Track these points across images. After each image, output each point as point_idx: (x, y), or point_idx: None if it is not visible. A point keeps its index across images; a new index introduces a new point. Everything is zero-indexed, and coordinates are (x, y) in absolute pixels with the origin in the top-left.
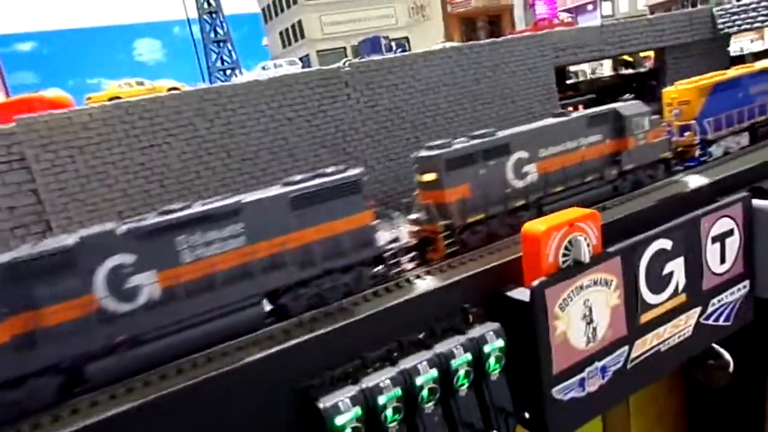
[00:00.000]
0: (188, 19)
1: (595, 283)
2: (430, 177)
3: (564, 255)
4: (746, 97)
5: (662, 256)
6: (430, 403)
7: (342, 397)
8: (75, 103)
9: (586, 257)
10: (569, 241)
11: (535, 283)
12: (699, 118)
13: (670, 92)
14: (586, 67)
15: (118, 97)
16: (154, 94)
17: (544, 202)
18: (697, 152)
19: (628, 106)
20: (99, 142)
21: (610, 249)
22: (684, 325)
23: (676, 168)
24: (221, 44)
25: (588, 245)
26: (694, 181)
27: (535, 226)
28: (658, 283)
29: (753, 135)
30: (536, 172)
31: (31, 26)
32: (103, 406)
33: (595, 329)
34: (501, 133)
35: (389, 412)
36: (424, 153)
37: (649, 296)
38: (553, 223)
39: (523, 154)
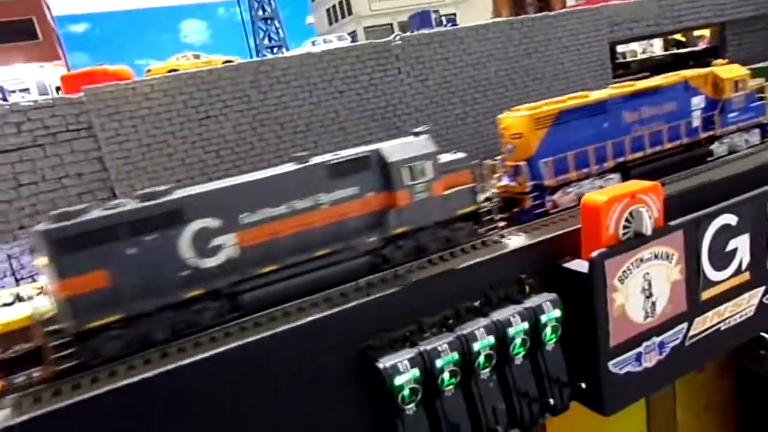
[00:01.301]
0: None
1: (656, 256)
2: (43, 261)
3: (624, 227)
4: (615, 126)
5: (727, 232)
6: (486, 370)
7: (401, 358)
8: (135, 77)
9: (648, 230)
10: (630, 213)
11: (595, 254)
12: (534, 158)
13: (503, 119)
14: (636, 46)
15: (176, 70)
16: (210, 66)
17: (247, 288)
18: (531, 203)
19: (400, 146)
20: (160, 113)
21: (673, 222)
22: (746, 304)
23: (500, 223)
24: (269, 22)
25: (650, 217)
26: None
27: (595, 197)
28: (722, 259)
29: (625, 176)
30: (236, 245)
31: (84, 8)
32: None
33: (654, 303)
34: (179, 192)
35: (446, 375)
36: (40, 227)
37: (711, 273)
38: (615, 194)
39: (210, 223)
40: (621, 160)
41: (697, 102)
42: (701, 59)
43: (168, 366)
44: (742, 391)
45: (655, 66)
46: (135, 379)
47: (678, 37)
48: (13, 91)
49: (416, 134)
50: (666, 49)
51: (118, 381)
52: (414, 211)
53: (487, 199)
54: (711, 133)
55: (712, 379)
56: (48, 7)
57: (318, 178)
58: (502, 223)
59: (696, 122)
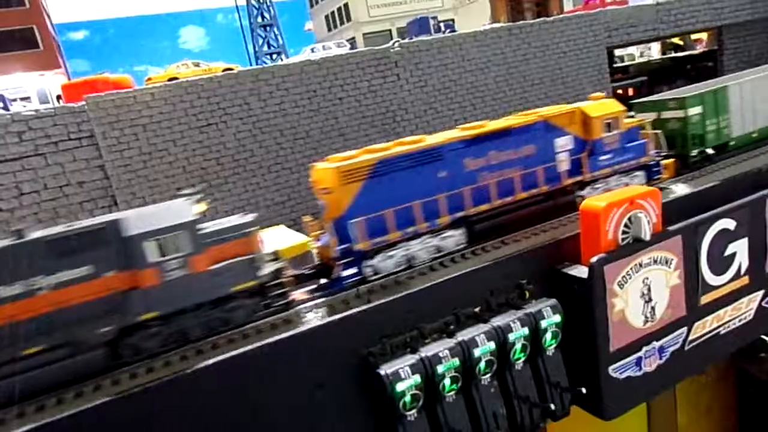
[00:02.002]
0: (237, 5)
1: (655, 261)
2: None
3: (624, 232)
4: (455, 175)
5: (725, 237)
6: (487, 375)
7: (402, 364)
8: (135, 86)
9: (646, 235)
10: (629, 218)
11: (594, 259)
12: (344, 217)
13: (315, 170)
14: (633, 50)
15: (177, 78)
16: (210, 74)
17: None
18: (342, 272)
19: (148, 215)
20: (160, 121)
21: (672, 227)
22: (745, 308)
23: (298, 295)
24: (268, 28)
25: (648, 223)
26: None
27: (594, 202)
28: (720, 263)
29: (470, 231)
30: None
31: (84, 15)
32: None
33: (653, 308)
34: None
35: (447, 381)
36: None
37: (710, 277)
38: (614, 199)
39: None
40: (461, 214)
41: (563, 143)
42: (699, 63)
43: (175, 373)
44: (742, 395)
45: (653, 70)
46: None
47: (676, 40)
48: (14, 100)
49: (185, 196)
50: (663, 53)
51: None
52: (166, 292)
53: (278, 270)
54: (579, 178)
55: (713, 383)
56: (48, 16)
57: (36, 257)
58: (302, 296)
59: (562, 166)
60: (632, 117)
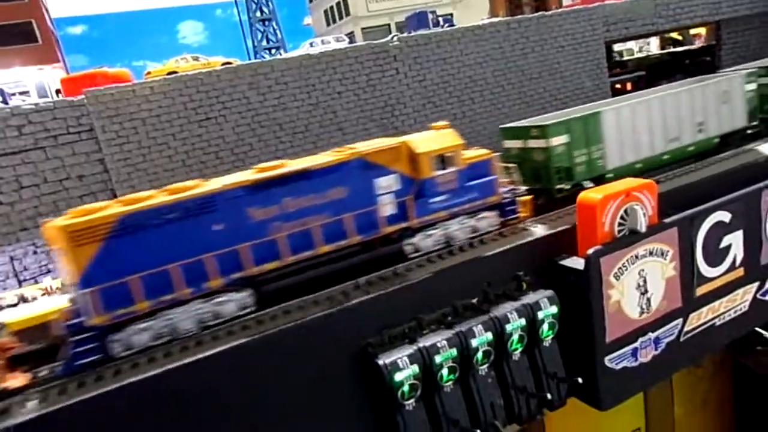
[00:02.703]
0: (236, 0)
1: (651, 253)
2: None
3: (620, 224)
4: (235, 228)
5: (720, 229)
6: (484, 366)
7: (400, 354)
8: (134, 80)
9: (642, 227)
10: (625, 211)
11: (591, 251)
12: (78, 286)
13: (46, 228)
14: (632, 45)
15: (176, 72)
16: (209, 68)
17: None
18: (72, 350)
19: None
20: (160, 115)
21: (667, 220)
22: (740, 300)
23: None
24: (267, 23)
25: (644, 215)
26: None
27: (591, 195)
28: (716, 255)
29: (259, 293)
30: None
31: (82, 10)
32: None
33: (649, 300)
34: None
35: (445, 371)
36: None
37: (705, 269)
38: (610, 191)
39: None
40: (240, 275)
41: (387, 184)
42: (697, 58)
43: (172, 364)
44: (738, 388)
45: (651, 65)
46: (133, 379)
47: (674, 35)
48: (13, 94)
49: None
50: (662, 48)
51: (112, 382)
52: None
53: None
54: (404, 224)
55: (709, 376)
56: (47, 10)
57: None
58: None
59: (385, 211)
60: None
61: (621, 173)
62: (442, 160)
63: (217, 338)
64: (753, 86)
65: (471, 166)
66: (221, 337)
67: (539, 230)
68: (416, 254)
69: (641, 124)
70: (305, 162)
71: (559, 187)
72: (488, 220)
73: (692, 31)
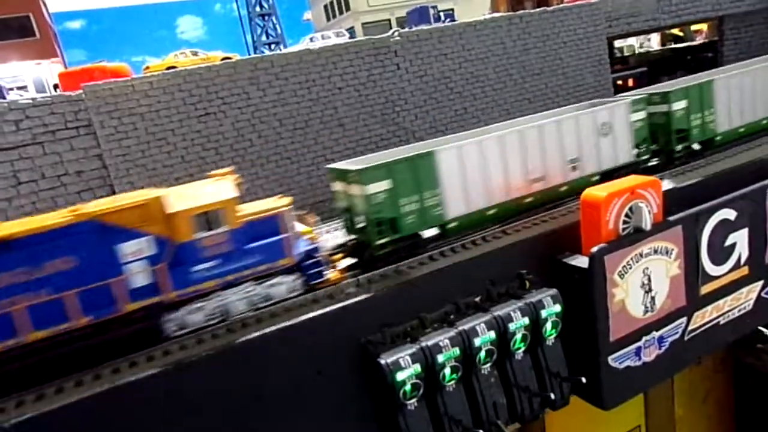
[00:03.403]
0: None
1: (656, 251)
2: None
3: (624, 222)
4: None
5: (725, 227)
6: (487, 365)
7: (402, 354)
8: (133, 74)
9: (647, 225)
10: (630, 208)
11: (595, 249)
12: None
13: None
14: (633, 41)
15: (175, 67)
16: (208, 63)
17: None
18: None
19: None
20: (159, 110)
21: (672, 218)
22: (744, 298)
23: None
24: (266, 18)
25: (649, 213)
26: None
27: (595, 192)
28: (720, 254)
29: None
30: None
31: (81, 4)
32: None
33: (653, 298)
34: None
35: (447, 370)
36: None
37: (710, 267)
38: (614, 189)
39: None
40: None
41: (135, 250)
42: (699, 54)
43: (177, 360)
44: (739, 385)
45: (653, 61)
46: (141, 375)
47: (675, 31)
48: (11, 89)
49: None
50: (663, 44)
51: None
52: None
53: None
54: (157, 299)
55: (710, 373)
56: (45, 4)
57: None
58: None
59: (134, 283)
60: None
61: (468, 221)
62: (207, 220)
63: (216, 336)
64: (641, 115)
65: (250, 224)
66: (220, 334)
67: (540, 228)
68: (183, 332)
69: (494, 162)
70: (13, 226)
71: (380, 242)
72: (285, 286)
73: (693, 27)
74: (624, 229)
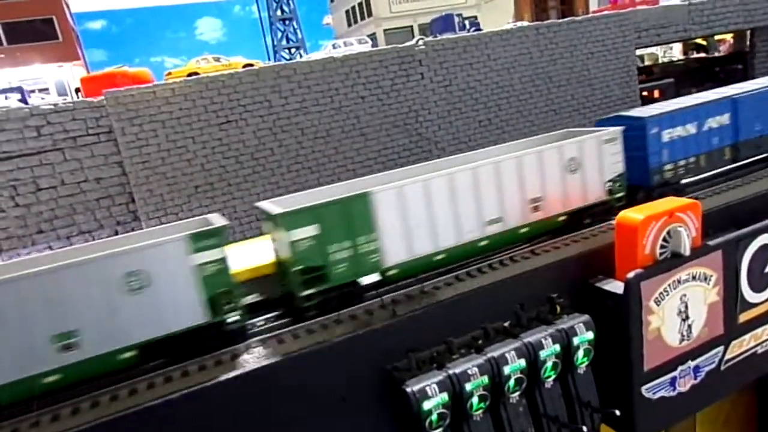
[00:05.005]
0: None
1: (694, 277)
2: None
3: (662, 246)
4: None
5: (766, 252)
6: (516, 393)
7: (429, 381)
8: (155, 79)
9: (686, 250)
10: (668, 232)
11: (631, 275)
12: None
13: None
14: (657, 50)
15: (197, 73)
16: (230, 70)
17: None
18: None
19: None
20: (180, 117)
21: (712, 242)
22: None
23: None
24: (287, 22)
25: (688, 237)
26: None
27: (631, 214)
28: (760, 280)
29: None
30: None
31: (101, 5)
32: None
33: (690, 326)
34: None
35: (475, 399)
36: None
37: (749, 294)
38: (652, 212)
39: None
40: None
41: None
42: (728, 65)
43: (197, 384)
44: (762, 408)
45: (680, 72)
46: (159, 401)
47: (699, 40)
48: (33, 92)
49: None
50: (685, 53)
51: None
52: None
53: None
54: None
55: (732, 395)
56: (67, 6)
57: None
58: None
59: None
60: None
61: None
62: None
63: (236, 357)
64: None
65: None
66: (242, 358)
67: (570, 249)
68: None
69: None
70: None
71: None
72: None
73: (717, 37)
74: (661, 254)
